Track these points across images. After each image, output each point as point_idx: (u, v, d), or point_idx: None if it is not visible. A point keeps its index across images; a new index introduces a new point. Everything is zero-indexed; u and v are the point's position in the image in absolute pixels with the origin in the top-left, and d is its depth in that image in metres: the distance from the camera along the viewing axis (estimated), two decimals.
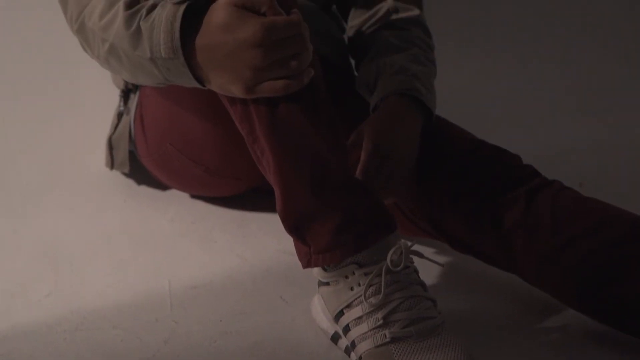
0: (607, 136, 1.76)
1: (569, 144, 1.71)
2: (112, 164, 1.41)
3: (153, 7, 0.91)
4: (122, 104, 1.35)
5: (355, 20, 1.33)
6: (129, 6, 0.93)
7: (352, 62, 1.37)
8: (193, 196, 1.41)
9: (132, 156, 1.38)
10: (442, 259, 1.18)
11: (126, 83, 1.33)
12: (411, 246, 0.93)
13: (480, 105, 1.83)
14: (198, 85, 0.91)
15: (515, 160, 1.11)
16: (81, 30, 1.02)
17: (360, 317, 0.91)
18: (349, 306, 0.93)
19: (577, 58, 2.03)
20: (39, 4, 1.65)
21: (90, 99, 1.66)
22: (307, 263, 0.94)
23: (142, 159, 1.36)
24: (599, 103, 1.92)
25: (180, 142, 1.26)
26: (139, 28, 0.91)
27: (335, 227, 0.90)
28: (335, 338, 0.98)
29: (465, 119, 1.26)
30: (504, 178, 1.08)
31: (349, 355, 0.94)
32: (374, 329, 0.90)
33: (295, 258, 0.95)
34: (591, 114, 1.86)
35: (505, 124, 1.76)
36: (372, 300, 0.90)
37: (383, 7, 1.30)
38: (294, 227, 0.93)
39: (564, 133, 1.77)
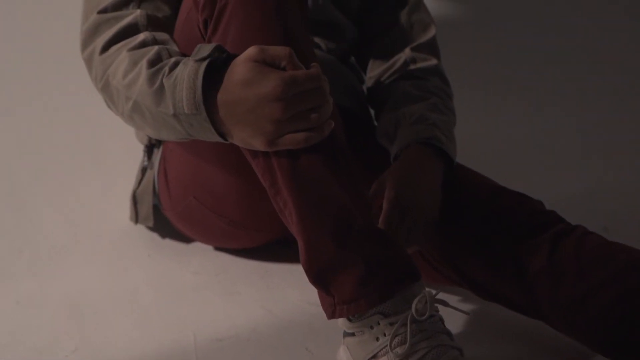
0: (631, 179, 1.75)
1: (592, 187, 1.70)
2: (136, 218, 1.42)
3: (175, 65, 0.93)
4: (145, 159, 1.37)
5: (374, 71, 1.35)
6: (151, 64, 0.96)
7: (372, 112, 1.39)
8: (217, 248, 1.42)
9: (156, 210, 1.40)
10: (467, 306, 1.17)
11: (150, 138, 1.35)
12: (436, 294, 0.93)
13: (500, 151, 1.83)
14: (220, 140, 0.92)
15: (538, 205, 1.11)
16: (105, 89, 1.05)
17: None
18: (375, 357, 0.92)
19: (599, 100, 2.03)
20: (64, 63, 1.69)
21: (115, 155, 1.68)
22: (331, 314, 0.93)
23: (166, 213, 1.37)
24: (621, 145, 1.91)
25: (203, 195, 1.27)
26: (162, 85, 0.93)
27: (359, 277, 0.90)
28: None
29: (485, 166, 1.26)
30: (527, 224, 1.07)
31: None
32: None
33: (320, 309, 0.95)
34: (614, 157, 1.85)
35: (527, 169, 1.76)
36: (398, 350, 0.90)
37: (401, 58, 1.32)
38: (317, 277, 0.93)
39: (586, 176, 1.76)
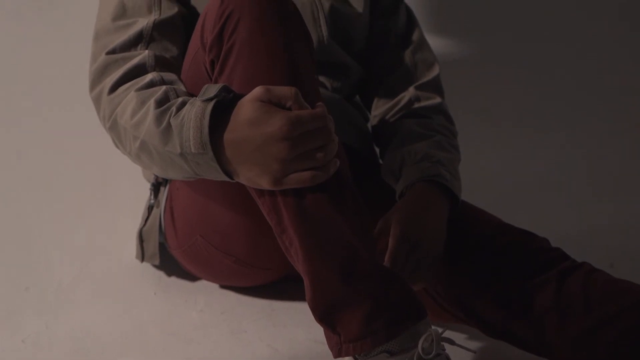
0: (637, 215, 1.75)
1: (597, 224, 1.70)
2: (142, 256, 1.42)
3: (183, 105, 0.94)
4: (152, 197, 1.38)
5: (379, 109, 1.36)
6: (159, 104, 0.97)
7: (377, 150, 1.40)
8: (222, 286, 1.42)
9: (162, 248, 1.40)
10: (474, 344, 1.17)
11: (156, 177, 1.36)
12: (442, 333, 0.93)
13: (505, 188, 1.83)
14: (227, 179, 0.93)
15: (543, 243, 1.11)
16: (113, 128, 1.06)
17: None
18: None
19: (606, 137, 2.03)
20: (72, 102, 1.71)
21: (122, 193, 1.69)
22: (338, 352, 0.93)
23: (172, 251, 1.38)
24: (627, 181, 1.91)
25: (209, 234, 1.27)
26: (169, 125, 0.94)
27: (365, 315, 0.90)
28: None
29: (490, 203, 1.27)
30: (533, 261, 1.07)
31: None
32: None
33: (326, 347, 0.95)
34: (620, 193, 1.85)
35: (532, 205, 1.76)
36: None
37: (405, 96, 1.33)
38: (323, 316, 0.93)
39: (592, 213, 1.76)
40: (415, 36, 1.40)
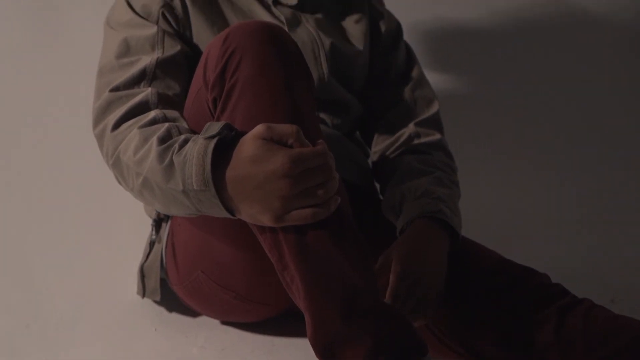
0: (637, 249, 1.75)
1: (598, 259, 1.70)
2: (143, 292, 1.42)
3: (185, 142, 0.95)
4: (154, 232, 1.39)
5: (379, 145, 1.37)
6: (162, 141, 0.98)
7: (377, 186, 1.41)
8: (223, 322, 1.41)
9: (163, 284, 1.40)
10: None
11: (158, 213, 1.36)
12: None
13: (505, 223, 1.84)
14: (228, 216, 0.94)
15: (544, 279, 1.11)
16: (116, 165, 1.07)
17: None
18: None
19: (606, 170, 2.04)
20: (75, 137, 1.72)
21: (123, 229, 1.69)
22: None
23: (173, 287, 1.38)
24: (627, 216, 1.91)
25: (210, 269, 1.27)
26: (171, 162, 0.95)
27: (366, 352, 0.90)
28: None
29: (491, 238, 1.27)
30: (533, 298, 1.08)
31: None
32: None
33: None
34: (620, 228, 1.86)
35: (531, 241, 1.76)
36: None
37: (405, 133, 1.34)
38: (325, 352, 0.93)
39: (592, 248, 1.76)
40: (414, 73, 1.41)
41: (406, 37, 1.48)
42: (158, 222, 1.38)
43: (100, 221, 1.74)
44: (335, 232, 0.92)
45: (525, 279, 1.11)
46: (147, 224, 1.41)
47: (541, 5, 2.04)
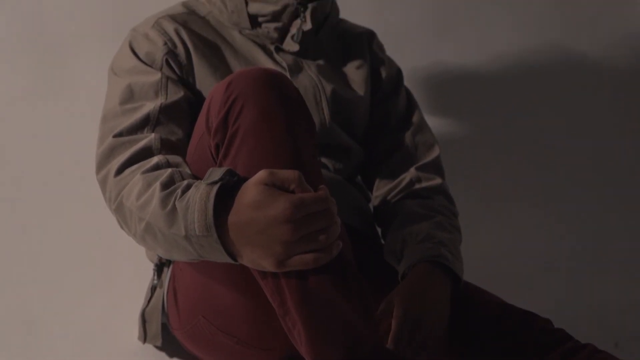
0: None
1: (601, 302, 1.70)
2: (144, 337, 1.42)
3: (188, 188, 0.96)
4: (155, 277, 1.38)
5: (380, 190, 1.38)
6: (165, 187, 0.98)
7: (379, 230, 1.41)
8: None
9: (165, 329, 1.40)
10: None
11: (160, 257, 1.36)
12: None
13: (506, 267, 1.83)
14: (230, 261, 0.94)
15: (546, 324, 1.11)
16: (119, 210, 1.07)
17: None
18: None
19: (610, 215, 2.04)
20: (78, 185, 1.73)
21: (125, 274, 1.69)
22: None
23: (175, 332, 1.37)
24: (631, 260, 1.91)
25: (212, 314, 1.27)
26: (174, 207, 0.95)
27: None
28: None
29: (492, 283, 1.27)
30: (535, 343, 1.07)
31: None
32: None
33: None
34: (623, 271, 1.85)
35: (534, 285, 1.76)
36: None
37: (406, 177, 1.35)
38: None
39: (595, 291, 1.76)
40: (415, 118, 1.43)
41: (406, 82, 1.50)
42: (160, 267, 1.38)
43: (102, 266, 1.74)
44: (337, 277, 0.92)
45: (527, 324, 1.10)
46: (148, 269, 1.41)
47: (540, 49, 2.07)
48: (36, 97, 1.77)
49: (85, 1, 1.76)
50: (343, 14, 1.49)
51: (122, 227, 1.11)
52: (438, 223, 1.24)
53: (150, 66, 1.23)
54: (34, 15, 1.74)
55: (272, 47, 1.33)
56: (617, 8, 2.09)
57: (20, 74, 1.75)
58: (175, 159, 1.08)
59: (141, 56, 1.24)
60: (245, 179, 0.92)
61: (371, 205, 1.42)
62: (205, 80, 1.25)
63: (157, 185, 0.99)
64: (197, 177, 1.02)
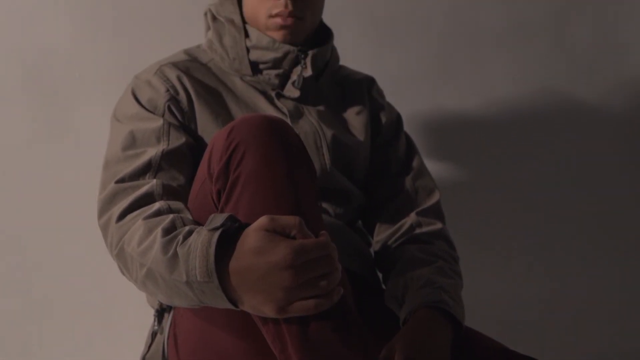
0: (637, 338, 1.73)
1: (601, 349, 1.69)
2: None
3: (189, 234, 0.96)
4: (156, 323, 1.38)
5: (381, 235, 1.38)
6: (166, 233, 0.99)
7: (380, 275, 1.41)
8: None
9: None
10: None
11: (161, 303, 1.36)
12: None
13: (507, 313, 1.83)
14: (231, 307, 0.94)
15: None
16: (120, 255, 1.08)
17: None
18: None
19: (609, 262, 2.04)
20: (79, 229, 1.73)
21: (126, 319, 1.68)
22: None
23: None
24: (631, 308, 1.90)
25: None
26: (175, 253, 0.95)
27: None
28: None
29: (493, 328, 1.26)
30: None
31: None
32: None
33: None
34: (622, 318, 1.84)
35: (535, 329, 1.75)
36: None
37: (407, 222, 1.35)
38: None
39: (597, 339, 1.75)
40: (415, 163, 1.44)
41: (406, 127, 1.51)
42: (160, 313, 1.37)
43: (103, 311, 1.73)
44: (338, 323, 0.92)
45: None
46: (149, 315, 1.41)
47: (538, 95, 2.09)
48: (38, 143, 1.78)
49: (89, 48, 1.79)
50: (343, 61, 1.51)
51: (123, 272, 1.11)
52: (439, 268, 1.24)
53: (153, 113, 1.24)
54: (37, 61, 1.76)
55: (273, 93, 1.34)
56: (614, 56, 2.11)
57: (23, 120, 1.77)
58: (176, 204, 1.08)
59: (144, 103, 1.25)
60: (246, 225, 0.92)
61: (372, 250, 1.42)
62: (206, 126, 1.26)
63: (158, 231, 1.00)
64: (198, 223, 1.03)
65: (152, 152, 1.18)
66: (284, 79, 1.35)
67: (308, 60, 1.33)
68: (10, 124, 1.77)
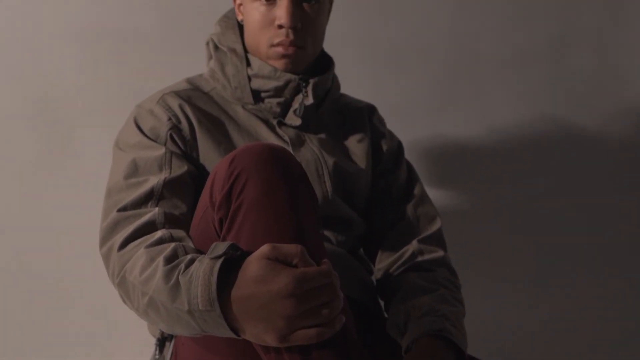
0: None
1: None
2: None
3: (191, 262, 0.96)
4: (157, 352, 1.37)
5: (383, 262, 1.38)
6: (168, 261, 0.99)
7: (382, 303, 1.40)
8: None
9: None
10: None
11: (162, 332, 1.35)
12: None
13: (509, 341, 1.82)
14: (233, 336, 0.93)
15: None
16: (122, 284, 1.07)
17: None
18: None
19: (611, 285, 2.03)
20: (81, 257, 1.73)
21: (127, 348, 1.67)
22: None
23: None
24: (630, 340, 1.89)
25: None
26: (177, 282, 0.95)
27: None
28: None
29: (496, 355, 1.26)
30: None
31: None
32: None
33: None
34: (622, 349, 1.83)
35: (538, 358, 1.74)
36: None
37: (409, 250, 1.35)
38: None
39: None
40: (416, 191, 1.44)
41: (407, 154, 1.52)
42: (162, 342, 1.37)
43: (104, 340, 1.73)
44: (340, 351, 0.92)
45: None
46: (150, 344, 1.41)
47: (539, 123, 2.09)
48: (41, 171, 1.78)
49: (91, 77, 1.80)
50: (344, 89, 1.52)
51: (124, 301, 1.11)
52: (441, 296, 1.23)
53: (155, 141, 1.25)
54: (41, 90, 1.77)
55: (274, 122, 1.35)
56: (613, 85, 2.13)
57: (26, 148, 1.77)
58: (178, 233, 1.08)
59: (146, 131, 1.26)
60: (248, 253, 0.92)
61: (374, 278, 1.42)
62: (208, 155, 1.26)
63: (160, 260, 1.00)
64: (200, 251, 1.03)
65: (154, 180, 1.18)
66: (286, 107, 1.36)
67: (309, 89, 1.34)
68: (15, 151, 1.78)
